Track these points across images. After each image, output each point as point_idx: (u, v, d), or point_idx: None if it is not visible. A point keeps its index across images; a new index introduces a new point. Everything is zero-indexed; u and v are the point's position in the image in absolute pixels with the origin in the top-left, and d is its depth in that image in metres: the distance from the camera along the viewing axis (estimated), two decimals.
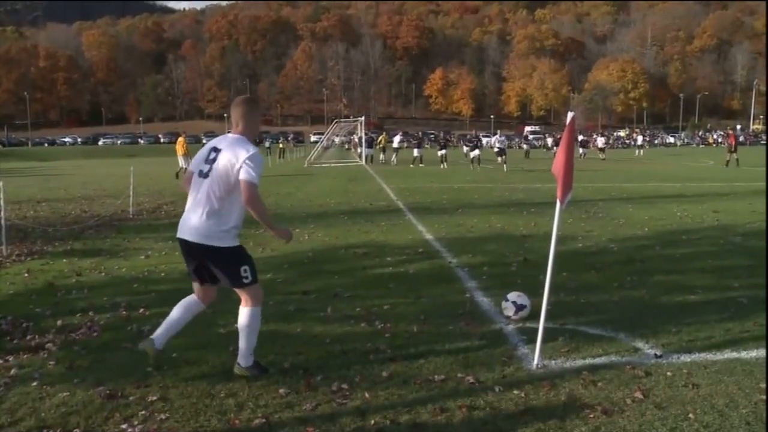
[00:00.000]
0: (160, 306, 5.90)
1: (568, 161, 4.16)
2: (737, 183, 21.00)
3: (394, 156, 39.54)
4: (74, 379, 3.85)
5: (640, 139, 62.83)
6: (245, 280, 4.18)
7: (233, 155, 4.07)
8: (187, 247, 4.23)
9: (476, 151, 32.41)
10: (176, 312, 4.41)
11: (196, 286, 4.41)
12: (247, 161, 4.05)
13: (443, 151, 34.71)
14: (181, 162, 26.79)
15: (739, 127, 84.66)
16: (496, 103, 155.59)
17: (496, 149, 34.89)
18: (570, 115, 4.18)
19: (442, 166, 32.31)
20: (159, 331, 4.35)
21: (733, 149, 33.04)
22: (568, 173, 4.18)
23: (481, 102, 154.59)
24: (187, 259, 4.36)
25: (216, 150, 4.18)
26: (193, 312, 4.47)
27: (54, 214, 14.28)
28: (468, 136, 47.92)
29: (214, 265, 4.19)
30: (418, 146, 39.14)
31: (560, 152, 4.20)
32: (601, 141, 51.88)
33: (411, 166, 34.66)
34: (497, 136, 37.23)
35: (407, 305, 6.01)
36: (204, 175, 4.14)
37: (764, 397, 3.83)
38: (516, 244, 9.30)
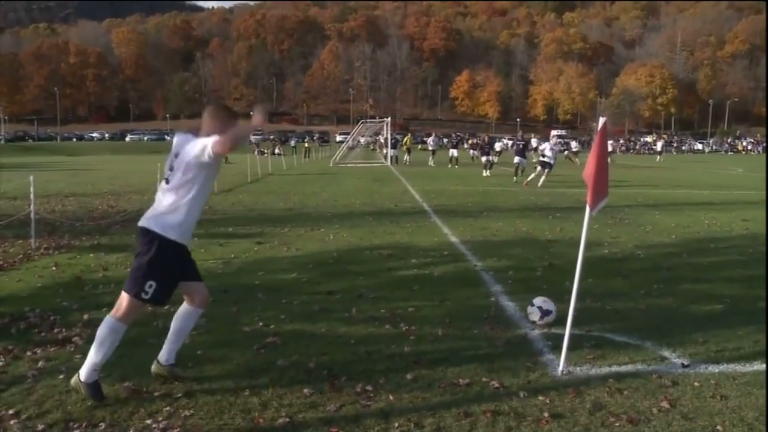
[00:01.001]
0: None
1: (601, 167, 4.13)
2: None
3: (431, 158, 39.94)
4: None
5: (659, 144, 62.07)
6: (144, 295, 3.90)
7: (187, 148, 3.86)
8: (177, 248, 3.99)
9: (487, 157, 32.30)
10: (174, 324, 4.27)
11: (184, 291, 4.24)
12: (192, 142, 3.88)
13: (454, 151, 36.84)
14: None
15: None
16: (523, 107, 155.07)
17: (542, 158, 25.37)
18: (601, 120, 4.15)
19: (450, 166, 33.92)
20: (163, 350, 4.22)
21: None
22: (600, 179, 4.15)
23: (508, 105, 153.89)
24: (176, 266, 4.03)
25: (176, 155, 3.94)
26: (193, 319, 4.34)
27: (81, 208, 14.46)
28: (478, 142, 47.09)
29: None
30: (455, 146, 40.73)
31: (591, 158, 4.17)
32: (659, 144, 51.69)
33: (449, 166, 35.13)
34: (549, 143, 25.52)
35: (432, 308, 6.00)
36: (168, 180, 3.96)
37: None
38: (541, 248, 9.25)
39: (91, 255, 8.67)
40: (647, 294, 6.62)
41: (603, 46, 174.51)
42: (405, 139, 43.89)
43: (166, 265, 3.88)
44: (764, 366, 4.53)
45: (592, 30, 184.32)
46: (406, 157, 40.38)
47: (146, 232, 3.89)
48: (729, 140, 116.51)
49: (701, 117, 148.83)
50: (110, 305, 5.93)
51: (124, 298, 3.94)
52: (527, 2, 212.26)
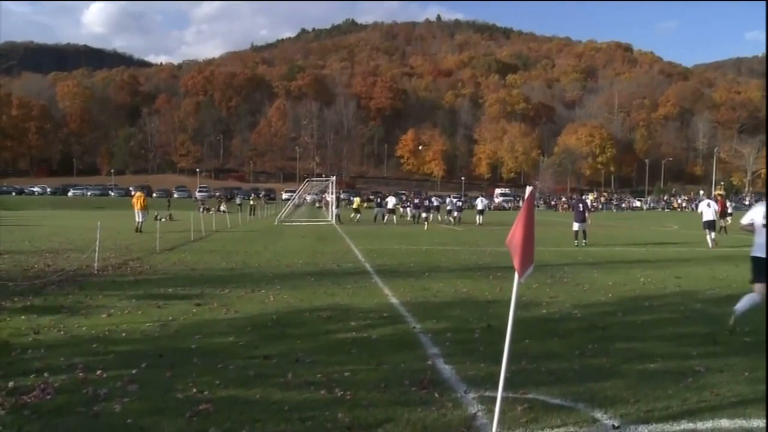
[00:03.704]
0: (118, 368, 5.82)
1: (528, 234, 4.20)
2: (700, 248, 21.30)
3: (394, 217, 41.08)
4: None
5: (588, 201, 63.64)
6: None
7: None
8: None
9: (426, 213, 35.98)
10: None
11: None
12: None
13: (377, 209, 41.95)
14: (138, 216, 27.00)
15: (702, 192, 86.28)
16: (468, 165, 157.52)
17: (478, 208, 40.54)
18: (528, 189, 4.25)
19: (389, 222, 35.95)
20: None
21: (725, 214, 31.02)
22: (527, 247, 4.22)
23: (453, 163, 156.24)
24: None
25: None
26: None
27: (16, 267, 14.07)
28: (415, 200, 48.77)
29: None
30: (416, 207, 43.22)
31: (518, 225, 4.24)
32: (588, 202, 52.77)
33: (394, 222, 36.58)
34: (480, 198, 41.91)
35: (368, 372, 5.96)
36: None
37: None
38: (480, 309, 9.30)
39: (23, 317, 8.41)
40: (582, 354, 6.69)
41: (545, 106, 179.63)
42: (356, 200, 44.96)
43: None
44: (691, 425, 4.62)
45: (534, 91, 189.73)
46: (358, 215, 41.42)
47: None
48: (665, 198, 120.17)
49: (639, 175, 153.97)
50: (39, 371, 5.79)
51: None
52: (471, 64, 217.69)
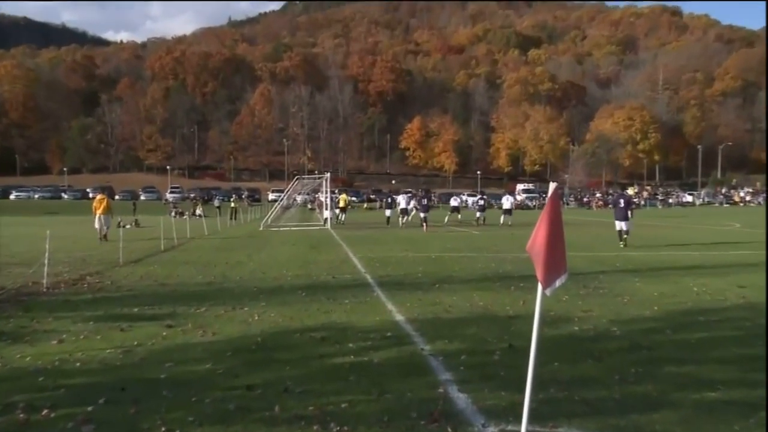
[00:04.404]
0: (70, 405, 5.79)
1: (554, 238, 4.17)
2: None
3: (406, 218, 41.48)
4: None
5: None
6: None
7: None
8: None
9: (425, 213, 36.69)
10: None
11: None
12: None
13: (389, 211, 41.74)
14: (101, 223, 27.06)
15: None
16: (484, 157, 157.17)
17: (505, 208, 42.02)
18: (552, 185, 4.23)
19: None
20: None
21: None
22: (553, 252, 4.18)
23: (467, 156, 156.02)
24: None
25: None
26: None
27: None
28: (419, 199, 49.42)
29: None
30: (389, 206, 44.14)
31: (541, 227, 4.22)
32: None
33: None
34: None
35: (369, 403, 5.95)
36: None
37: None
38: (501, 327, 9.28)
39: None
40: (623, 380, 6.65)
41: (574, 86, 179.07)
42: (339, 199, 45.21)
43: None
44: None
45: (561, 68, 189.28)
46: (342, 216, 43.23)
47: None
48: (723, 190, 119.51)
49: (690, 164, 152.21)
50: None
51: None
52: (487, 38, 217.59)
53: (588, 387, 6.39)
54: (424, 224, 35.25)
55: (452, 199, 47.99)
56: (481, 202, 43.51)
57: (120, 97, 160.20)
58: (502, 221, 39.93)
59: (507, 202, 42.59)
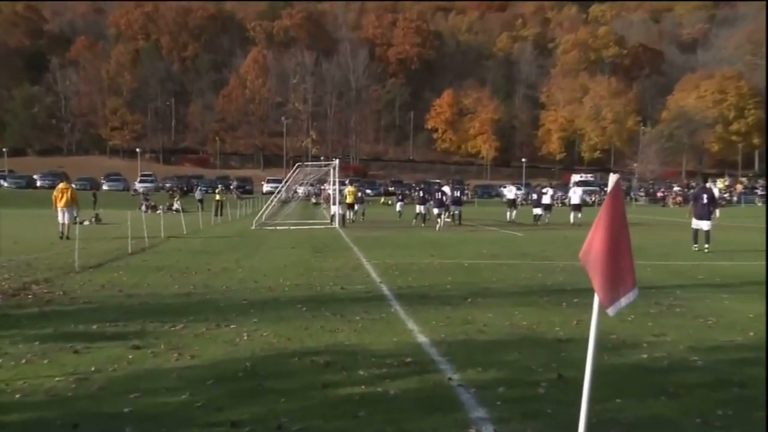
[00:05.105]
0: None
1: (615, 244, 4.13)
2: None
3: (445, 215, 40.84)
4: None
5: (716, 190, 62.94)
6: None
7: None
8: None
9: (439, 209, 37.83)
10: None
11: None
12: None
13: (400, 204, 44.62)
14: (61, 217, 27.21)
15: None
16: (531, 141, 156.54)
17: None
18: (612, 177, 4.21)
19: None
20: None
21: None
22: (615, 263, 4.14)
23: (509, 139, 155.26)
24: None
25: None
26: None
27: None
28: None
29: None
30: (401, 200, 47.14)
31: (597, 230, 4.20)
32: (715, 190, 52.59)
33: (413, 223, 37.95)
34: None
35: None
36: None
37: None
38: (548, 352, 9.27)
39: None
40: (706, 423, 6.61)
41: (648, 50, 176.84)
42: (346, 191, 45.10)
43: None
44: None
45: (632, 28, 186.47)
46: (350, 214, 43.97)
47: None
48: None
49: None
50: None
51: None
52: None
53: (660, 430, 6.39)
54: (439, 220, 35.59)
55: (506, 190, 48.41)
56: (547, 198, 43.46)
57: (75, 60, 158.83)
58: (572, 220, 40.81)
59: (575, 195, 43.86)
